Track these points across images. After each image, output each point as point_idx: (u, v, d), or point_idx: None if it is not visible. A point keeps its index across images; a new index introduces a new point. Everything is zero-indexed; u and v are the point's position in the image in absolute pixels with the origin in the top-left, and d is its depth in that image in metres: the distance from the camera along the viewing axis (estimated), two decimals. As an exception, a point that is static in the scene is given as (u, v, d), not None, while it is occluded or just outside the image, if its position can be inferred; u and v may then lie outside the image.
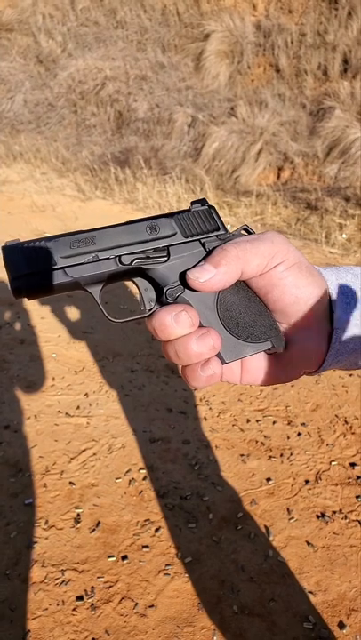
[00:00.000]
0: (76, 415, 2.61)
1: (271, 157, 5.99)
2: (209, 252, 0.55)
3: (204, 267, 0.52)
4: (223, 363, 0.54)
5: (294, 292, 0.53)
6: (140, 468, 2.28)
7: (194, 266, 0.55)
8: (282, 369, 0.58)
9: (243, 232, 0.57)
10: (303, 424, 2.53)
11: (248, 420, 2.56)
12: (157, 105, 7.36)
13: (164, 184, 5.80)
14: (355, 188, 5.29)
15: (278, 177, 6.00)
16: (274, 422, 2.55)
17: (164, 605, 1.72)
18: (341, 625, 1.66)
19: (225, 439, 2.45)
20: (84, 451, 2.38)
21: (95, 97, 8.01)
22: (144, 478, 2.22)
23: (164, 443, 2.43)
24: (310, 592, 1.76)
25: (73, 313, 3.57)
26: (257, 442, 2.43)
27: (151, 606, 1.72)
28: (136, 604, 1.73)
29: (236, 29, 7.57)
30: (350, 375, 2.87)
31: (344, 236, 4.55)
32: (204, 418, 2.59)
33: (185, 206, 5.38)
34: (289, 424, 2.54)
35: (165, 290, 0.55)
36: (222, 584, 1.79)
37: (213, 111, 6.88)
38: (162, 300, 0.56)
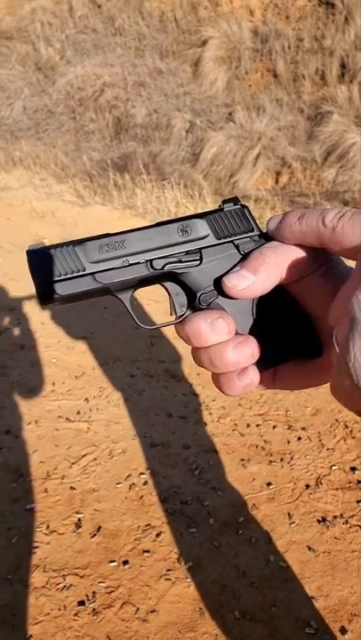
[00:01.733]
0: (76, 420, 2.62)
1: (269, 162, 6.02)
2: (245, 256, 0.52)
3: (242, 273, 0.49)
4: (261, 370, 0.52)
5: (332, 298, 0.49)
6: (141, 473, 2.28)
7: (229, 270, 0.51)
8: (316, 373, 0.55)
9: None
10: (303, 428, 2.54)
11: (248, 425, 2.57)
12: (155, 111, 7.40)
13: (163, 189, 5.83)
14: (353, 193, 5.32)
15: (277, 181, 6.03)
16: (274, 427, 2.56)
17: (166, 610, 1.72)
18: (343, 630, 1.66)
19: (225, 444, 2.45)
20: (84, 456, 2.38)
21: (94, 103, 8.06)
22: (145, 483, 2.23)
23: (165, 447, 2.43)
24: (312, 597, 1.76)
25: (73, 318, 3.58)
26: (257, 446, 2.43)
27: (152, 611, 1.72)
28: (137, 609, 1.73)
29: (233, 35, 7.63)
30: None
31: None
32: (205, 423, 2.60)
33: (183, 211, 5.40)
34: (289, 428, 2.54)
35: (199, 295, 0.52)
36: (224, 589, 1.79)
37: (211, 116, 6.92)
38: (194, 306, 0.53)
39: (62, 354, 3.19)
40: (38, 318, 3.55)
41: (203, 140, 6.43)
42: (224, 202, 0.56)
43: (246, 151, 6.06)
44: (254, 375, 0.51)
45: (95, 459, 2.36)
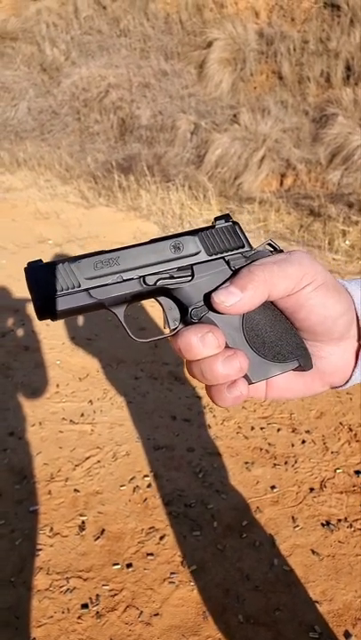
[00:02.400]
0: (80, 422, 2.62)
1: (274, 164, 6.02)
2: (235, 272, 0.54)
3: (230, 289, 0.51)
4: (250, 383, 0.54)
5: (322, 311, 0.52)
6: (145, 476, 2.28)
7: (219, 286, 0.54)
8: (308, 384, 0.58)
9: (267, 247, 0.56)
10: (308, 431, 2.53)
11: (252, 428, 2.56)
12: (160, 112, 7.41)
13: (168, 191, 5.83)
14: (358, 195, 5.30)
15: (281, 184, 6.02)
16: (278, 430, 2.55)
17: (169, 614, 1.72)
18: (348, 635, 1.66)
19: (229, 447, 2.45)
20: (88, 458, 2.38)
21: (98, 104, 8.08)
22: (148, 486, 2.23)
23: (169, 450, 2.43)
24: (316, 601, 1.76)
25: (77, 320, 3.59)
26: (261, 449, 2.42)
27: (156, 615, 1.72)
28: (141, 612, 1.73)
29: (238, 37, 7.63)
30: (354, 382, 2.87)
31: (347, 242, 4.56)
32: (208, 425, 2.60)
33: (188, 213, 5.40)
34: (293, 431, 2.54)
35: (190, 310, 0.55)
36: (227, 593, 1.78)
37: (216, 118, 6.92)
38: (186, 320, 0.55)
39: (66, 355, 3.19)
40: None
41: (207, 142, 6.43)
42: (216, 219, 0.58)
43: (251, 153, 6.05)
44: (243, 388, 0.53)
45: (99, 461, 2.36)
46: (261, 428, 2.56)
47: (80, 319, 3.59)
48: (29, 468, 2.31)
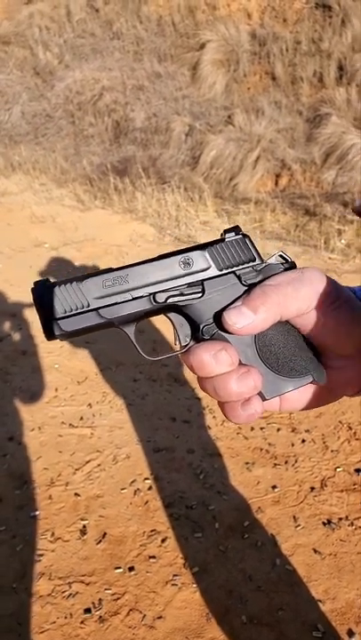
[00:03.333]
0: (79, 426, 2.61)
1: (269, 164, 6.03)
2: (248, 290, 0.53)
3: (242, 311, 0.50)
4: (264, 399, 0.53)
5: (334, 328, 0.52)
6: (145, 478, 2.28)
7: (231, 304, 0.53)
8: (321, 395, 0.57)
9: (278, 258, 0.55)
10: (307, 431, 2.53)
11: (252, 428, 2.56)
12: (155, 114, 7.41)
13: (163, 193, 5.83)
14: (353, 194, 5.32)
15: (276, 184, 6.03)
16: (278, 430, 2.55)
17: (173, 616, 1.72)
18: (351, 633, 1.66)
19: (229, 447, 2.45)
20: (88, 462, 2.38)
21: (92, 107, 8.08)
22: (149, 488, 2.22)
23: (169, 452, 2.43)
24: (319, 600, 1.76)
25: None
26: (261, 449, 2.43)
27: (159, 617, 1.71)
28: (144, 615, 1.72)
29: (231, 38, 7.65)
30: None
31: (343, 241, 4.57)
32: (208, 426, 2.60)
33: (184, 214, 5.40)
34: (293, 431, 2.54)
35: (202, 327, 0.54)
36: (230, 594, 1.78)
37: (210, 119, 6.93)
38: (198, 337, 0.55)
39: (64, 359, 3.19)
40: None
41: (202, 144, 6.44)
42: (225, 231, 0.56)
43: (246, 154, 6.06)
44: (258, 405, 0.52)
45: (99, 464, 2.36)
46: (261, 429, 2.56)
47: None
48: (29, 473, 2.31)
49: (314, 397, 0.57)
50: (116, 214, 5.68)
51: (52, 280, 0.54)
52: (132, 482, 2.25)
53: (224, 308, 0.53)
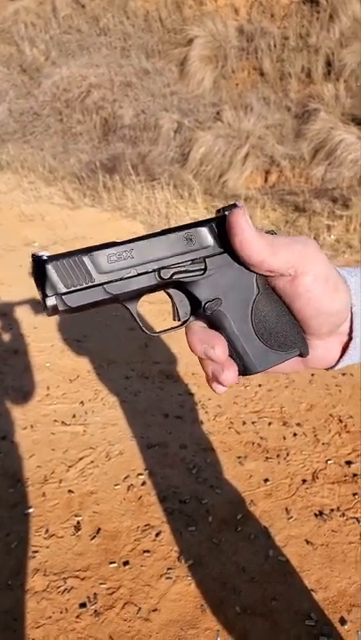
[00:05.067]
0: (72, 424, 2.62)
1: (258, 161, 6.05)
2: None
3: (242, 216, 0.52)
4: (256, 372, 0.57)
5: (316, 306, 0.54)
6: (139, 474, 2.29)
7: (233, 281, 0.55)
8: (292, 364, 0.61)
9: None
10: (298, 424, 2.56)
11: (244, 423, 2.59)
12: (143, 111, 7.39)
13: (153, 190, 5.83)
14: (341, 190, 5.36)
15: (266, 180, 6.05)
16: (269, 423, 2.58)
17: (168, 609, 1.74)
18: (343, 621, 1.69)
19: (222, 442, 2.47)
20: (81, 459, 2.39)
21: (80, 105, 8.03)
22: (143, 484, 2.24)
23: (162, 448, 2.45)
24: (311, 590, 1.79)
25: (65, 322, 3.58)
26: (253, 443, 2.45)
27: (154, 610, 1.73)
28: (139, 608, 1.74)
29: (218, 34, 7.64)
30: (343, 375, 2.91)
31: (333, 236, 4.61)
32: (201, 422, 2.62)
33: (174, 211, 5.41)
34: (284, 425, 2.57)
35: (204, 304, 0.55)
36: (224, 585, 1.81)
37: (199, 116, 6.92)
38: (198, 313, 0.56)
39: (56, 357, 3.19)
40: (31, 322, 3.55)
41: (191, 140, 6.44)
42: (225, 208, 0.56)
43: (235, 150, 6.08)
44: (221, 390, 0.58)
45: (92, 461, 2.37)
46: (253, 423, 2.58)
47: (68, 320, 3.59)
48: (23, 472, 2.31)
49: (285, 365, 0.61)
50: (105, 212, 5.67)
51: (49, 254, 0.52)
52: (126, 478, 2.27)
53: (228, 288, 0.55)
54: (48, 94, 8.50)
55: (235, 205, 0.56)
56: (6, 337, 3.41)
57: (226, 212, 0.56)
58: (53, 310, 0.51)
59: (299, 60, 7.12)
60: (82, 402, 2.78)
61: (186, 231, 0.55)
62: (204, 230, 0.55)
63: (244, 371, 0.57)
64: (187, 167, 6.25)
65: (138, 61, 8.25)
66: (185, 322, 0.57)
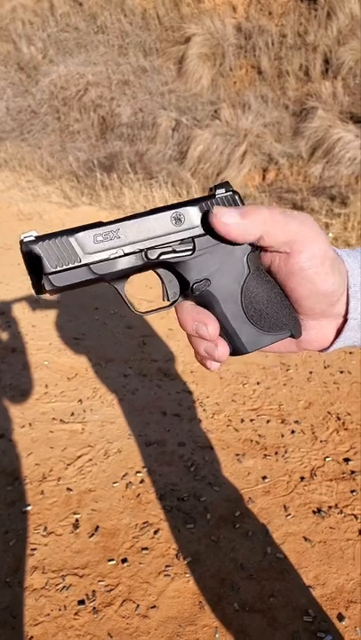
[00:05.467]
0: (70, 422, 2.62)
1: (256, 159, 6.05)
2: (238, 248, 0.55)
3: (231, 212, 0.51)
4: (246, 352, 0.56)
5: (310, 286, 0.53)
6: (137, 472, 2.29)
7: (223, 262, 0.54)
8: (285, 345, 0.61)
9: None
10: (297, 422, 2.57)
11: (242, 420, 2.59)
12: (141, 109, 7.38)
13: (151, 188, 5.83)
14: (339, 187, 5.36)
15: (264, 178, 6.05)
16: (268, 421, 2.58)
17: (166, 606, 1.74)
18: (341, 617, 1.69)
19: (220, 439, 2.47)
20: (80, 457, 2.39)
21: (78, 103, 8.02)
22: (141, 481, 2.24)
23: (160, 445, 2.45)
24: (309, 586, 1.79)
25: (63, 320, 3.58)
26: (252, 441, 2.45)
27: (153, 607, 1.74)
28: (138, 605, 1.74)
29: (216, 32, 7.63)
30: (341, 372, 2.92)
31: (330, 234, 4.62)
32: (199, 419, 2.62)
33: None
34: (283, 422, 2.57)
35: (192, 284, 0.54)
36: (222, 582, 1.81)
37: (197, 114, 6.92)
38: (187, 293, 0.56)
39: (54, 356, 3.19)
40: (29, 321, 3.55)
41: (189, 138, 6.44)
42: (216, 187, 0.55)
43: (233, 148, 6.07)
44: (214, 366, 0.57)
45: (91, 459, 2.37)
46: (251, 420, 2.59)
47: (66, 319, 3.59)
48: (21, 469, 2.31)
49: (278, 345, 0.60)
50: (103, 210, 5.66)
51: (39, 234, 0.52)
52: (124, 475, 2.27)
53: (217, 269, 0.54)
54: (45, 92, 8.48)
55: (226, 184, 0.56)
56: (4, 335, 3.41)
57: (216, 192, 0.55)
58: (40, 289, 0.52)
59: (297, 58, 7.12)
60: (80, 400, 2.78)
61: (175, 210, 0.54)
62: (194, 210, 0.54)
63: (234, 351, 0.56)
64: (185, 165, 6.25)
65: (135, 59, 8.23)
66: (174, 302, 0.57)
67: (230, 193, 0.55)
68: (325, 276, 0.53)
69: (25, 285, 3.99)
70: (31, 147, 7.59)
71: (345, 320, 0.57)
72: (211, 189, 0.56)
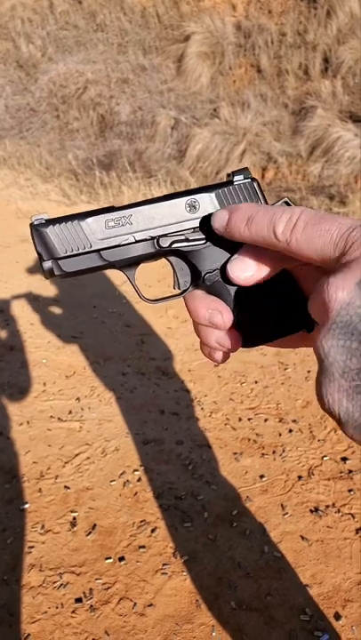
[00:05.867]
0: (68, 420, 2.62)
1: (255, 158, 6.04)
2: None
3: (246, 262, 0.49)
4: (255, 345, 0.54)
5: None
6: (135, 470, 2.29)
7: (233, 255, 0.50)
8: (292, 340, 0.59)
9: (284, 205, 0.52)
10: (294, 421, 2.57)
11: (240, 419, 2.59)
12: (140, 108, 7.37)
13: (150, 187, 5.82)
14: (338, 187, 5.36)
15: (263, 177, 6.05)
16: (265, 420, 2.58)
17: (163, 604, 1.74)
18: (337, 616, 1.70)
19: (218, 438, 2.47)
20: (77, 455, 2.39)
21: (77, 101, 8.00)
22: (138, 480, 2.24)
23: (158, 444, 2.45)
24: (306, 585, 1.80)
25: (62, 318, 3.57)
26: (249, 440, 2.46)
27: (150, 605, 1.74)
28: (135, 603, 1.75)
29: (216, 30, 7.62)
30: (339, 371, 2.91)
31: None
32: (197, 418, 2.62)
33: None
34: (280, 421, 2.57)
35: (203, 275, 0.53)
36: (220, 581, 1.81)
37: (196, 113, 6.91)
38: (198, 283, 0.54)
39: (52, 354, 3.18)
40: (27, 319, 3.54)
41: (188, 137, 6.43)
42: (234, 173, 0.53)
43: (232, 147, 6.07)
44: (220, 358, 0.55)
45: (88, 457, 2.37)
46: (249, 419, 2.59)
47: (65, 317, 3.58)
48: (19, 467, 2.31)
49: (292, 341, 0.58)
50: (102, 208, 5.66)
51: (50, 217, 0.51)
52: (122, 474, 2.27)
53: (228, 260, 0.51)
54: (45, 90, 8.46)
55: (245, 170, 0.53)
56: (3, 333, 3.40)
57: (235, 178, 0.52)
58: (50, 273, 0.51)
59: (296, 57, 7.11)
60: (78, 398, 2.78)
61: (190, 197, 0.52)
62: (210, 196, 0.52)
63: (243, 344, 0.55)
64: (184, 164, 6.24)
65: (135, 58, 8.22)
66: (185, 291, 0.55)
67: (249, 180, 0.53)
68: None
69: (23, 283, 3.98)
70: (30, 145, 7.58)
71: None
72: (228, 175, 0.53)
